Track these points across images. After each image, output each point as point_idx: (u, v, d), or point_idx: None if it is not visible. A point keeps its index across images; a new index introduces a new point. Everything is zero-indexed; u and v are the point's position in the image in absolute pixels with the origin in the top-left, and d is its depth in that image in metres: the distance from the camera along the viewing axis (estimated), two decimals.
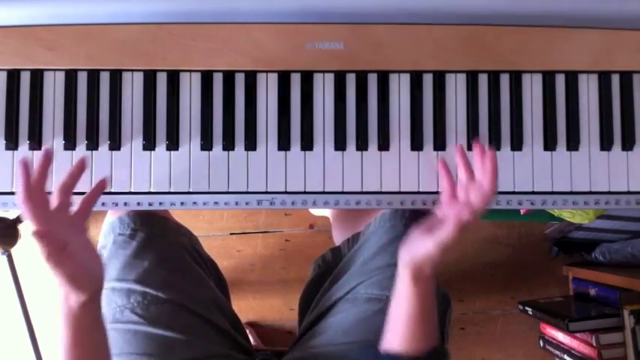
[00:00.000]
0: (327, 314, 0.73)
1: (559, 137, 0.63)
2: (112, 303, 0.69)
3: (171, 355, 0.67)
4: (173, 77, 0.62)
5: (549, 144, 0.63)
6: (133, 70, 0.62)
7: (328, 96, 0.63)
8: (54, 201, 0.53)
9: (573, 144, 0.63)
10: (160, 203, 0.61)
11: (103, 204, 0.61)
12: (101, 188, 0.58)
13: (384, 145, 0.62)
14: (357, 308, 0.70)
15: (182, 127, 0.62)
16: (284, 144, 0.62)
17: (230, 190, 0.62)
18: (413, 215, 0.76)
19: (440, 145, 0.62)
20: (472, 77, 0.63)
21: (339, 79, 0.63)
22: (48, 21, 0.61)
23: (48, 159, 0.53)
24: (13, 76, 0.61)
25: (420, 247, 0.56)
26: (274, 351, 0.76)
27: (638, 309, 1.12)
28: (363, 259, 0.74)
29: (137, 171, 0.62)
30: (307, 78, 0.62)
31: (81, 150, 0.61)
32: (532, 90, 0.63)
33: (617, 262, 1.28)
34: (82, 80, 0.62)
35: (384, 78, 0.63)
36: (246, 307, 1.40)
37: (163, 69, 0.62)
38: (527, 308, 1.31)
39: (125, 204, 0.61)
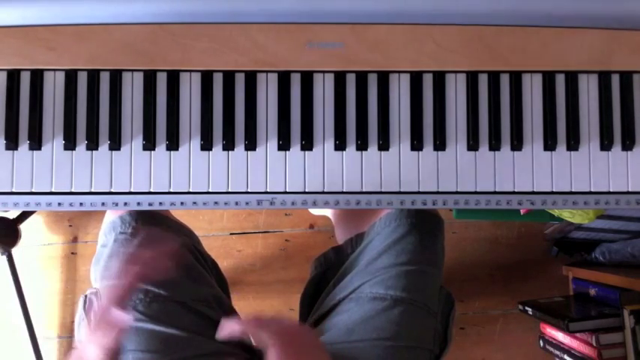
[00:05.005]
0: (331, 314, 0.73)
1: (559, 137, 0.63)
2: None
3: (174, 352, 0.67)
4: (173, 77, 0.62)
5: (549, 144, 0.63)
6: (133, 70, 0.62)
7: (328, 96, 0.63)
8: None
9: (573, 144, 0.63)
10: (160, 203, 0.61)
11: (103, 204, 0.61)
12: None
13: (384, 145, 0.62)
14: (361, 307, 0.70)
15: (182, 127, 0.62)
16: (284, 144, 0.62)
17: (230, 190, 0.62)
18: (418, 215, 0.76)
19: (440, 145, 0.62)
20: (472, 77, 0.63)
21: (339, 79, 0.63)
22: (48, 21, 0.61)
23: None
24: (13, 76, 0.61)
25: None
26: None
27: (638, 309, 1.12)
28: (368, 259, 0.74)
29: (137, 171, 0.62)
30: (307, 78, 0.62)
31: (81, 150, 0.61)
32: (532, 90, 0.63)
33: (617, 262, 1.28)
34: (82, 80, 0.62)
35: (384, 78, 0.63)
36: (246, 307, 1.40)
37: (163, 69, 0.62)
38: (527, 308, 1.31)
39: (125, 204, 0.61)
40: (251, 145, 0.62)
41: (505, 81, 0.63)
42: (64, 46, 0.61)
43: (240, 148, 0.62)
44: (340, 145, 0.62)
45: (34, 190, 0.61)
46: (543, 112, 0.63)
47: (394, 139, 0.62)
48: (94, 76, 0.61)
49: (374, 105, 0.63)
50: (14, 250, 1.31)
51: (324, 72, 0.63)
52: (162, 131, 0.62)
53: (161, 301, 0.69)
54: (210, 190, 0.62)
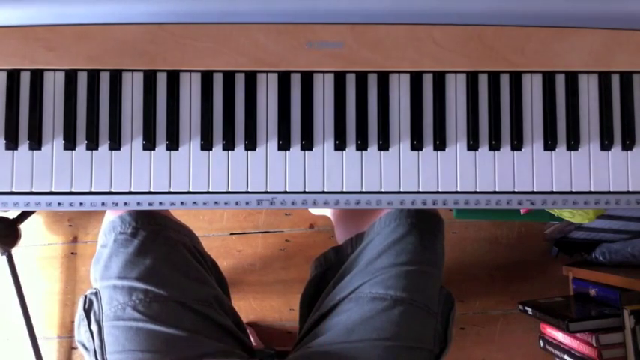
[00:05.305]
0: (331, 314, 0.73)
1: (559, 137, 0.63)
2: (114, 300, 0.69)
3: (174, 352, 0.67)
4: (173, 77, 0.62)
5: (549, 144, 0.63)
6: (133, 70, 0.62)
7: (328, 96, 0.63)
8: None
9: (573, 144, 0.63)
10: (160, 203, 0.61)
11: (103, 204, 0.61)
12: None
13: (384, 145, 0.62)
14: (361, 307, 0.71)
15: (182, 127, 0.62)
16: (284, 144, 0.62)
17: (230, 190, 0.62)
18: (418, 214, 0.76)
19: (440, 145, 0.62)
20: (472, 77, 0.63)
21: (339, 79, 0.63)
22: (48, 21, 0.61)
23: None
24: (13, 76, 0.61)
25: None
26: (275, 350, 0.76)
27: (638, 309, 1.12)
28: (368, 259, 0.74)
29: (137, 171, 0.62)
30: (307, 78, 0.62)
31: (81, 150, 0.61)
32: (532, 90, 0.63)
33: (617, 262, 1.29)
34: (82, 80, 0.62)
35: (384, 78, 0.63)
36: (246, 307, 1.40)
37: (163, 69, 0.62)
38: (527, 308, 1.31)
39: (125, 204, 0.61)
40: (251, 145, 0.62)
41: (505, 81, 0.63)
42: (64, 46, 0.61)
43: (240, 148, 0.62)
44: (340, 145, 0.62)
45: (34, 190, 0.61)
46: (543, 112, 0.63)
47: (394, 139, 0.62)
48: (93, 76, 0.61)
49: (374, 105, 0.63)
50: (14, 250, 1.31)
51: (324, 72, 0.63)
52: (162, 131, 0.62)
53: (161, 301, 0.69)
54: (210, 190, 0.62)
